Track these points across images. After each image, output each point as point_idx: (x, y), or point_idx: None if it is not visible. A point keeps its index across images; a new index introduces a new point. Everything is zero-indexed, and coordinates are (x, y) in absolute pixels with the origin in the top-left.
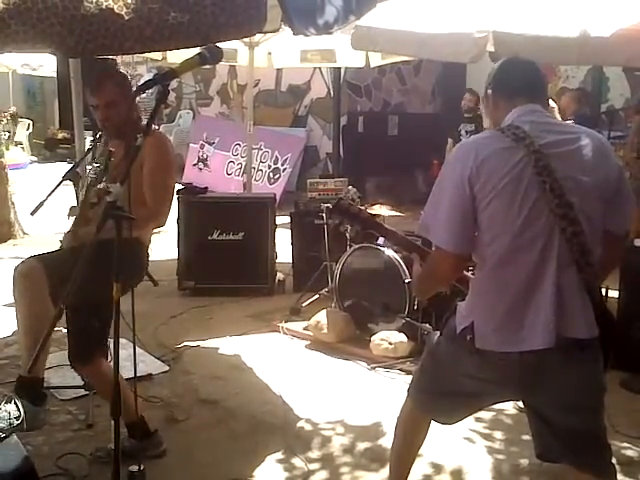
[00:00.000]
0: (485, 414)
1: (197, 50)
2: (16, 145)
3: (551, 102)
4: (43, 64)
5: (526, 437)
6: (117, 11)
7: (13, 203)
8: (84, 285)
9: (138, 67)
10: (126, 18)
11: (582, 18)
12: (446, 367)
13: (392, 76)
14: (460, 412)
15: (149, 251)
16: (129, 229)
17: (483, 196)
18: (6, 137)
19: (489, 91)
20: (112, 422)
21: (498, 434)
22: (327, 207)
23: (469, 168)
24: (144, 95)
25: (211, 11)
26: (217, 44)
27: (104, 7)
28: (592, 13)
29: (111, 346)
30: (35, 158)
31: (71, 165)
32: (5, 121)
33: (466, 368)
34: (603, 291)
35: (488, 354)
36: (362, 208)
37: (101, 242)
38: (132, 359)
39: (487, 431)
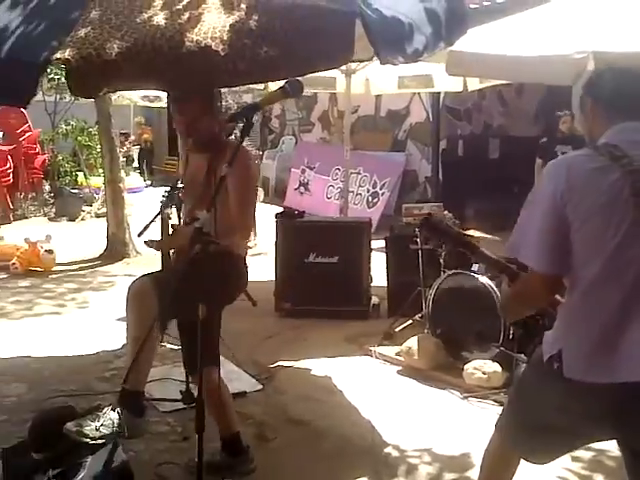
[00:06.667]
0: (584, 453)
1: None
2: (135, 170)
3: None
4: (160, 96)
5: None
6: (214, 48)
7: (128, 224)
8: (181, 302)
9: (243, 95)
10: (222, 54)
11: None
12: (533, 399)
13: (493, 98)
14: (551, 451)
15: (246, 263)
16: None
17: (576, 217)
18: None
19: (589, 98)
20: (196, 437)
21: (598, 477)
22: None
23: (562, 186)
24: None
25: (302, 45)
26: (300, 77)
27: (203, 45)
28: None
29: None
30: (150, 182)
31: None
32: (125, 148)
33: (554, 399)
34: None
35: (577, 384)
36: (452, 225)
37: (192, 261)
38: (232, 376)
39: (585, 472)
